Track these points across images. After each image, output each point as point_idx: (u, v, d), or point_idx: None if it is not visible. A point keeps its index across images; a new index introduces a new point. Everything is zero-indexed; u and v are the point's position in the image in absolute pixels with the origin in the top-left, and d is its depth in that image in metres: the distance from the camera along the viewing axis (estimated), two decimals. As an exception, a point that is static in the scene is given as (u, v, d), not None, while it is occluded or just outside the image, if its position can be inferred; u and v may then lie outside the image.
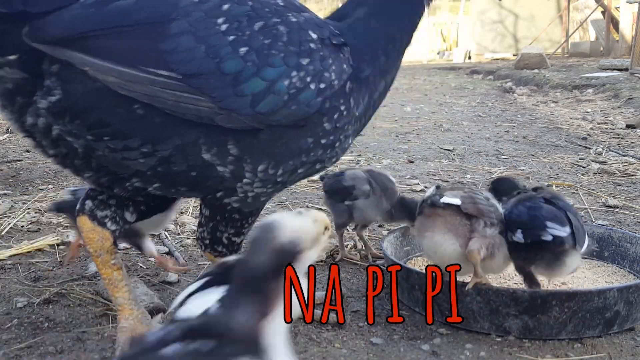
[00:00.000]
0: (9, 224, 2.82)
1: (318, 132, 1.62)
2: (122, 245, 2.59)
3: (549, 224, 1.78)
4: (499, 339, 1.81)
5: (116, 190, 1.66)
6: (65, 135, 1.50)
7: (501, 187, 2.13)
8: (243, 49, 1.47)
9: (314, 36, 1.59)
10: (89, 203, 1.72)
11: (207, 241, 1.81)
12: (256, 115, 1.50)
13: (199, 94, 1.44)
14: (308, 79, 1.55)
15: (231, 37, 1.47)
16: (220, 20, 1.47)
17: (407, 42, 1.84)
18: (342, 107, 1.64)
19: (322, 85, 1.58)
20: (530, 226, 1.82)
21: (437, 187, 2.00)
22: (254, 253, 1.02)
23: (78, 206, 1.74)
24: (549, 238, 1.76)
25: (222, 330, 0.94)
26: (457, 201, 1.86)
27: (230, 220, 1.75)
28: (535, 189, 2.06)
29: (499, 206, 1.97)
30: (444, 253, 1.86)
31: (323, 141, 1.65)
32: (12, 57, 1.41)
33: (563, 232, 1.76)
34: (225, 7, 1.49)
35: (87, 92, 1.42)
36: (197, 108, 1.45)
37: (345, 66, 1.64)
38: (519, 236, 1.83)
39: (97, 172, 1.59)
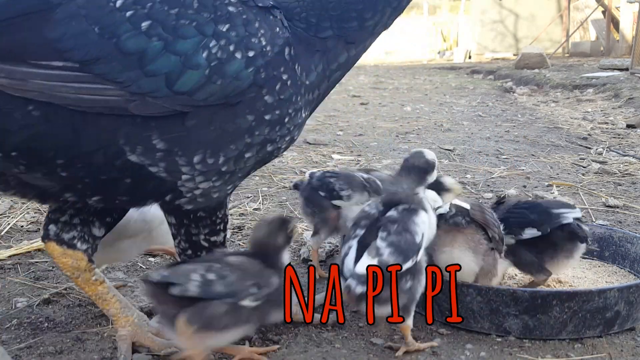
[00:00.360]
0: (9, 224, 2.82)
1: (259, 108, 1.45)
2: (122, 245, 2.60)
3: (562, 210, 1.98)
4: (499, 339, 1.81)
5: (51, 204, 1.55)
6: None
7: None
8: (145, 24, 1.31)
9: None
10: (52, 227, 1.61)
11: (189, 252, 1.70)
12: (176, 97, 1.34)
13: (104, 82, 1.28)
14: (231, 48, 1.38)
15: (129, 13, 1.31)
16: None
17: (386, 22, 1.66)
18: (284, 76, 1.47)
19: (250, 53, 1.41)
20: (544, 221, 1.97)
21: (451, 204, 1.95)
22: (413, 161, 1.92)
23: (42, 232, 1.64)
24: (570, 220, 1.95)
25: (405, 201, 1.75)
26: (466, 205, 1.88)
27: (199, 220, 1.62)
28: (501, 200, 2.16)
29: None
30: (463, 269, 1.84)
31: (267, 117, 1.47)
32: None
33: (577, 212, 1.98)
34: None
35: None
36: (105, 99, 1.30)
37: (278, 29, 1.48)
38: (531, 232, 1.97)
39: (23, 190, 1.47)
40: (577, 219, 2.00)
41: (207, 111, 1.39)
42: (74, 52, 1.26)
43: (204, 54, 1.35)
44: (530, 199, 2.13)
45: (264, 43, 1.44)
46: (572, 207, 2.02)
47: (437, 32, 29.05)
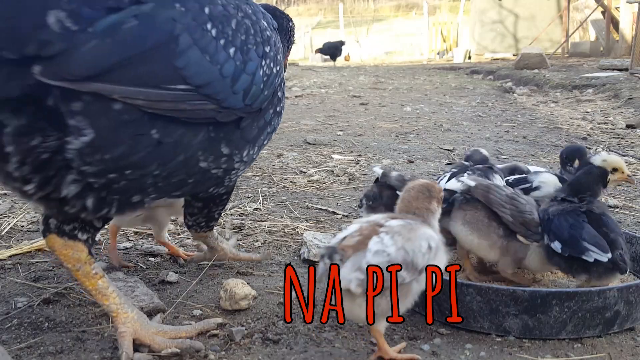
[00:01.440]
0: (9, 224, 2.82)
1: (275, 103, 1.83)
2: (122, 245, 2.60)
3: (590, 247, 1.89)
4: (499, 339, 1.81)
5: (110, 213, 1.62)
6: (86, 177, 1.46)
7: (570, 155, 2.34)
8: (231, 50, 1.59)
9: (265, 24, 1.78)
10: (53, 221, 1.65)
11: (203, 223, 2.12)
12: (245, 108, 1.65)
13: (207, 99, 1.54)
14: (272, 65, 1.73)
15: (222, 41, 1.57)
16: (209, 26, 1.54)
17: None
18: (283, 76, 1.88)
19: (278, 67, 1.78)
20: (570, 244, 1.93)
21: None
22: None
23: (42, 227, 1.67)
24: (591, 259, 1.89)
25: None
26: (471, 182, 2.13)
27: (221, 200, 2.05)
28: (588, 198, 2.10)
29: (530, 202, 2.12)
30: (464, 241, 2.15)
31: (278, 109, 1.88)
32: (17, 104, 1.33)
33: (604, 257, 1.88)
34: (208, 10, 1.55)
35: (115, 126, 1.41)
36: (205, 110, 1.56)
37: (279, 43, 1.87)
38: (556, 246, 1.96)
39: (99, 204, 1.55)
40: (599, 262, 1.88)
41: (254, 115, 1.73)
42: (194, 78, 1.50)
43: (261, 72, 1.68)
44: (592, 209, 2.04)
45: (280, 57, 1.80)
46: (605, 250, 1.89)
47: (437, 33, 29.04)
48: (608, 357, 1.73)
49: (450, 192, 2.18)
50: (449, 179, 2.30)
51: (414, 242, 1.63)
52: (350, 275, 1.57)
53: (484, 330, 1.84)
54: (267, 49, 1.71)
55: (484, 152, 2.72)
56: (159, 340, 1.69)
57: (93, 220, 1.67)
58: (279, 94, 1.86)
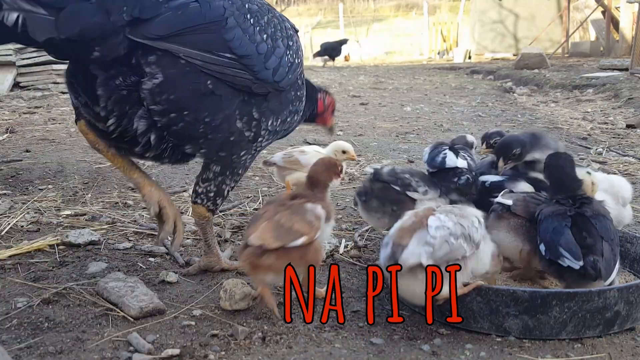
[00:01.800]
0: (9, 224, 2.82)
1: (297, 88, 2.26)
2: (122, 245, 2.60)
3: (564, 253, 1.91)
4: (499, 339, 1.81)
5: (163, 156, 2.05)
6: (153, 115, 1.87)
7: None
8: (264, 36, 2.04)
9: (289, 25, 2.24)
10: (86, 116, 2.00)
11: (212, 194, 2.19)
12: (274, 83, 2.07)
13: (246, 69, 1.97)
14: (294, 56, 2.18)
15: (257, 28, 2.02)
16: (248, 16, 2.00)
17: None
18: (302, 69, 2.30)
19: (299, 59, 2.24)
20: (550, 248, 1.97)
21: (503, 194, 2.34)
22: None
23: (75, 117, 2.07)
24: (565, 264, 1.91)
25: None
26: (509, 202, 2.20)
27: (237, 174, 2.19)
28: (583, 199, 2.10)
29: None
30: (510, 248, 2.17)
31: (299, 93, 2.28)
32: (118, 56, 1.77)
33: (576, 264, 1.89)
34: (247, 6, 2.02)
35: (180, 74, 1.85)
36: (243, 79, 1.97)
37: (299, 43, 2.31)
38: (542, 248, 1.99)
39: (159, 142, 1.97)
40: (571, 268, 1.90)
41: (279, 93, 2.14)
42: (237, 49, 1.94)
43: (286, 59, 2.11)
44: (584, 213, 2.04)
45: (300, 53, 2.25)
46: (578, 257, 1.90)
47: (437, 32, 29.01)
48: (608, 357, 1.73)
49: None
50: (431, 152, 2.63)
51: (467, 218, 1.86)
52: (419, 249, 1.73)
53: (484, 331, 1.84)
54: (291, 43, 2.16)
55: (470, 137, 2.88)
56: (172, 207, 2.09)
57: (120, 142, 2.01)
58: (299, 82, 2.28)
